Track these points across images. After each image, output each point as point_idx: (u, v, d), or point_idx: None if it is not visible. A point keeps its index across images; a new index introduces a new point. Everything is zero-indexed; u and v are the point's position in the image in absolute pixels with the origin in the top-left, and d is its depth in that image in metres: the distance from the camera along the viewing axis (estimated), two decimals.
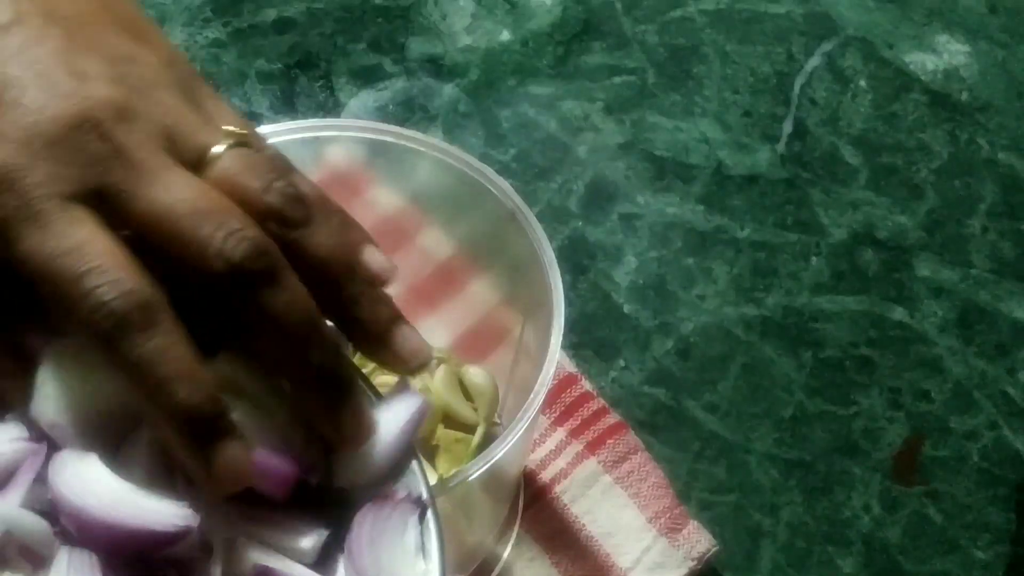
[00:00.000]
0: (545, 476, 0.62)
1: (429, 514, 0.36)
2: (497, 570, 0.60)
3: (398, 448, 0.36)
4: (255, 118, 0.75)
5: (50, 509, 0.34)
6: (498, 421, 0.61)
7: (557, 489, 0.61)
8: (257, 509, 0.35)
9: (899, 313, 0.71)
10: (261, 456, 0.34)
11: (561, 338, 0.49)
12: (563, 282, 0.50)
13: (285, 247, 0.35)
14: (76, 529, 0.33)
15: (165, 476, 0.35)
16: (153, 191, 0.34)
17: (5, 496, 0.34)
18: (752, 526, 0.63)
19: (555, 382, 0.63)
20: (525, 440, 0.53)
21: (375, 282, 0.38)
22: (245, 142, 0.36)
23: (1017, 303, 0.72)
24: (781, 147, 0.77)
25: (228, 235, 0.33)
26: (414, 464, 0.36)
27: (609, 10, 0.83)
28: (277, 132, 0.52)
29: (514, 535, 0.60)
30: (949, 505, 0.65)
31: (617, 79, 0.80)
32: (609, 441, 0.63)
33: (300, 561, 0.35)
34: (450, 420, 0.60)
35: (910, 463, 0.66)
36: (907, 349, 0.70)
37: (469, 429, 0.60)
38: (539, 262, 0.51)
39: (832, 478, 0.65)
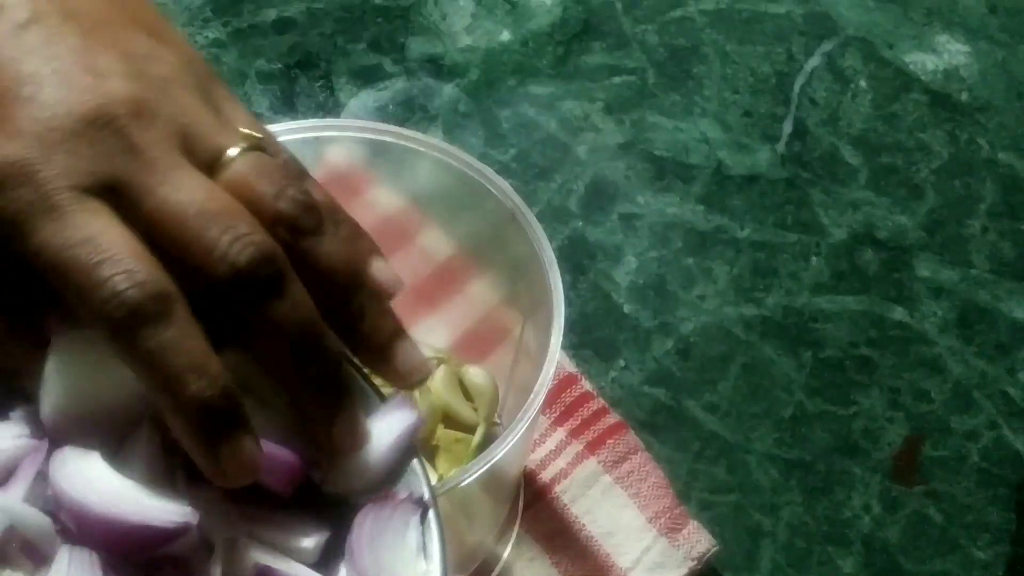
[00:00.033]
0: (545, 476, 0.62)
1: (431, 514, 0.36)
2: (497, 570, 0.60)
3: (388, 460, 0.36)
4: None
5: (51, 506, 0.34)
6: (498, 421, 0.61)
7: (557, 489, 0.61)
8: (258, 508, 0.35)
9: (899, 313, 0.71)
10: (270, 449, 0.34)
11: (561, 338, 0.49)
12: (563, 282, 0.50)
13: (293, 254, 0.35)
14: (76, 525, 0.33)
15: (166, 474, 0.35)
16: (163, 189, 0.34)
17: (8, 491, 0.34)
18: (752, 526, 0.63)
19: (555, 382, 0.63)
20: (525, 440, 0.53)
21: (381, 295, 0.38)
22: (260, 146, 0.36)
23: (1017, 303, 0.72)
24: (781, 147, 0.77)
25: (235, 239, 0.33)
26: (416, 464, 0.36)
27: (609, 10, 0.83)
28: (277, 132, 0.51)
29: (514, 535, 0.60)
30: (949, 505, 0.65)
31: (617, 79, 0.80)
32: (609, 441, 0.63)
33: (301, 561, 0.35)
34: (450, 420, 0.60)
35: (910, 463, 0.66)
36: (907, 349, 0.70)
37: (469, 429, 0.60)
38: (539, 262, 0.51)
39: (832, 478, 0.65)
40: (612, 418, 0.63)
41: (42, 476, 0.34)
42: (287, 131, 0.52)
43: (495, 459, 0.47)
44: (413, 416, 0.37)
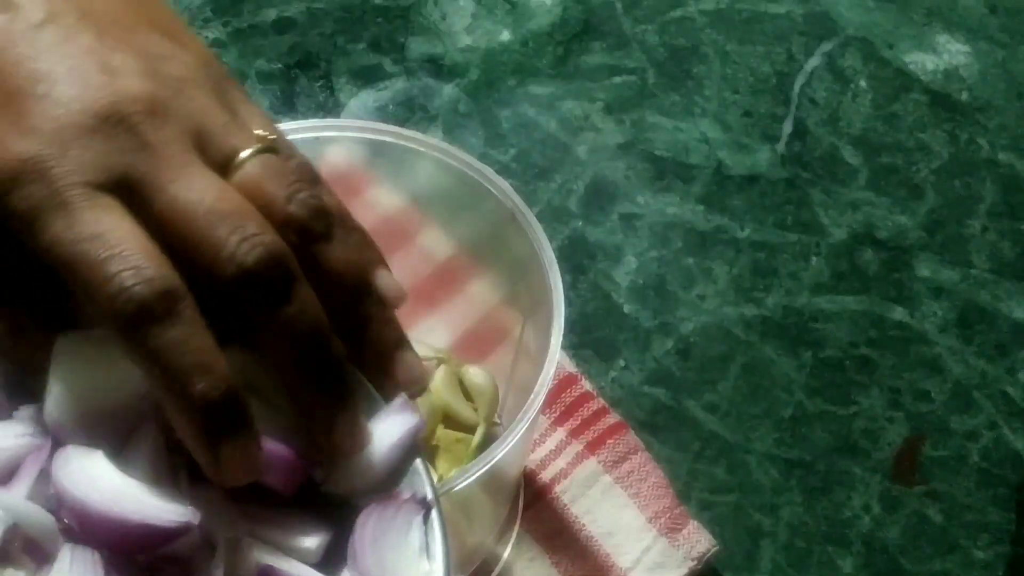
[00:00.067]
0: (545, 476, 0.62)
1: (434, 514, 0.35)
2: (497, 570, 0.60)
3: (389, 462, 0.36)
4: None
5: (53, 504, 0.34)
6: (498, 421, 0.61)
7: (557, 489, 0.61)
8: (261, 508, 0.35)
9: (899, 313, 0.71)
10: (272, 448, 0.34)
11: (561, 338, 0.49)
12: (563, 282, 0.50)
13: (302, 257, 0.35)
14: (77, 523, 0.33)
15: (169, 474, 0.35)
16: (174, 187, 0.34)
17: (11, 489, 0.34)
18: (752, 526, 0.63)
19: (555, 382, 0.63)
20: (525, 440, 0.53)
21: (387, 303, 0.38)
22: (274, 148, 0.36)
23: (1017, 303, 0.72)
24: (781, 147, 0.77)
25: (243, 239, 0.33)
26: (419, 464, 0.36)
27: (609, 10, 0.83)
28: None
29: (514, 535, 0.60)
30: (949, 505, 0.65)
31: (617, 79, 0.80)
32: (609, 441, 0.63)
33: (304, 561, 0.35)
34: (450, 420, 0.60)
35: (910, 463, 0.66)
36: (907, 349, 0.70)
37: (469, 429, 0.60)
38: (539, 262, 0.51)
39: (832, 478, 0.65)
40: (612, 418, 0.63)
41: (46, 474, 0.34)
42: (287, 131, 0.52)
43: (495, 459, 0.47)
44: (415, 419, 0.37)
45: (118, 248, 0.32)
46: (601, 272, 0.71)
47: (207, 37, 0.79)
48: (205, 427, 0.33)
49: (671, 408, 0.67)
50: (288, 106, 0.76)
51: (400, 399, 0.37)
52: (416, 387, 0.38)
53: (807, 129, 0.78)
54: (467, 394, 0.61)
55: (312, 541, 0.35)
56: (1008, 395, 0.68)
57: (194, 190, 0.34)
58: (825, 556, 0.63)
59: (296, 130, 0.52)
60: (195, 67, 0.37)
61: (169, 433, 0.35)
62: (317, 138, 0.53)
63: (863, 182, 0.76)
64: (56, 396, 0.35)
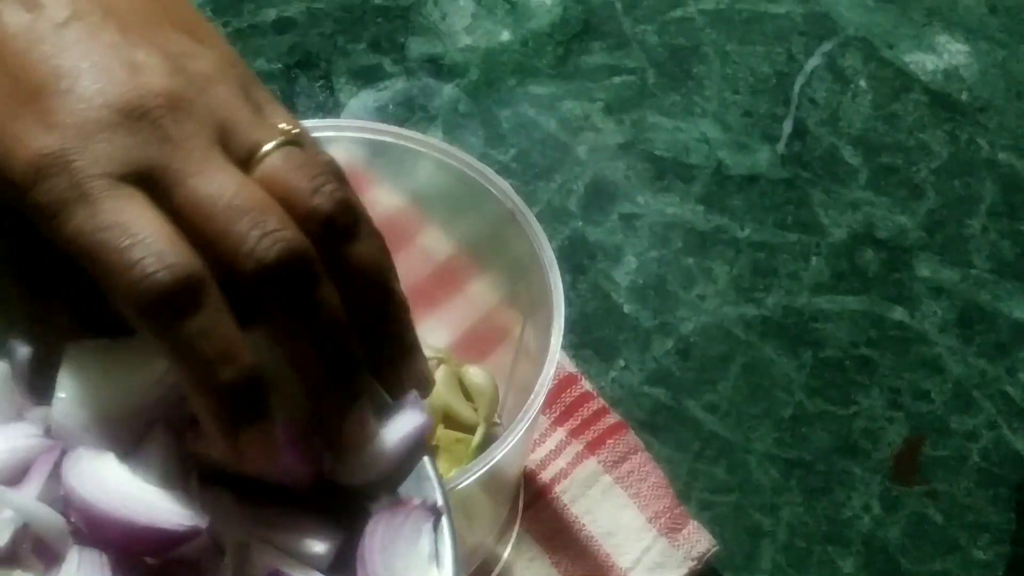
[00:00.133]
0: (545, 476, 0.62)
1: (444, 521, 0.35)
2: (497, 570, 0.60)
3: (395, 456, 0.36)
4: None
5: (62, 505, 0.34)
6: (498, 421, 0.61)
7: (557, 489, 0.61)
8: (271, 513, 0.35)
9: (899, 313, 0.71)
10: (289, 435, 0.34)
11: (561, 338, 0.49)
12: (563, 282, 0.50)
13: (323, 252, 0.35)
14: (85, 525, 0.33)
15: (180, 478, 0.35)
16: (194, 181, 0.34)
17: (22, 490, 0.34)
18: (752, 526, 0.63)
19: (555, 382, 0.63)
20: (525, 440, 0.53)
21: (406, 305, 0.37)
22: (298, 142, 0.36)
23: (1017, 303, 0.72)
24: (781, 147, 0.77)
25: (264, 235, 0.33)
26: (429, 470, 0.36)
27: (609, 10, 0.83)
28: None
29: (514, 535, 0.60)
30: (949, 505, 0.65)
31: (617, 79, 0.80)
32: (609, 441, 0.63)
33: (313, 566, 0.35)
34: (450, 420, 0.60)
35: (910, 463, 0.66)
36: (907, 349, 0.70)
37: (469, 429, 0.60)
38: (539, 262, 0.51)
39: (832, 478, 0.65)
40: (612, 418, 0.63)
41: (56, 475, 0.34)
42: None
43: (495, 459, 0.47)
44: (424, 417, 0.37)
45: (140, 235, 0.32)
46: (601, 272, 0.71)
47: None
48: (227, 413, 0.33)
49: (671, 408, 0.67)
50: (288, 106, 0.76)
51: (412, 396, 0.37)
52: (424, 391, 0.38)
53: (807, 129, 0.78)
54: (467, 394, 0.61)
55: (322, 546, 0.35)
56: (1008, 395, 0.68)
57: (215, 184, 0.34)
58: (825, 556, 0.63)
59: None
60: (219, 65, 0.36)
61: (180, 437, 0.35)
62: (317, 138, 0.53)
63: (863, 182, 0.76)
64: (62, 403, 0.35)
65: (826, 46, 0.82)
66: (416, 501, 0.36)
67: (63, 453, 0.34)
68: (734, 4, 0.84)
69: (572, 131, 0.77)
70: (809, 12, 0.84)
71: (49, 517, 0.34)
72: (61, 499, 0.34)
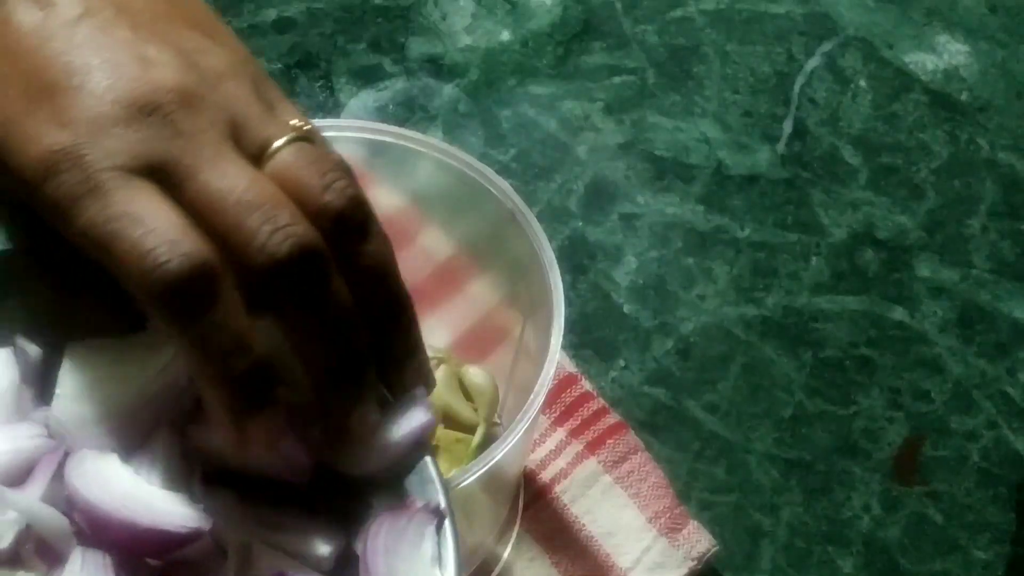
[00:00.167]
0: (545, 476, 0.62)
1: (446, 524, 0.35)
2: (497, 570, 0.60)
3: (397, 450, 0.36)
4: None
5: (65, 506, 0.34)
6: (498, 421, 0.61)
7: (557, 489, 0.61)
8: (275, 515, 0.35)
9: (899, 313, 0.71)
10: (290, 423, 0.34)
11: (561, 338, 0.49)
12: (563, 282, 0.50)
13: (334, 248, 0.35)
14: (88, 525, 0.33)
15: (183, 479, 0.35)
16: (205, 175, 0.34)
17: (25, 491, 0.34)
18: (752, 526, 0.63)
19: (555, 382, 0.63)
20: (525, 440, 0.53)
21: (413, 307, 0.38)
22: (309, 138, 0.36)
23: (1017, 303, 0.72)
24: (781, 147, 0.77)
25: (275, 230, 0.33)
26: (432, 473, 0.36)
27: (609, 10, 0.83)
28: None
29: (514, 535, 0.60)
30: (949, 505, 0.65)
31: (617, 79, 0.80)
32: (609, 441, 0.63)
33: (316, 568, 0.35)
34: (450, 420, 0.60)
35: (910, 463, 0.66)
36: (907, 349, 0.70)
37: (469, 429, 0.60)
38: (539, 262, 0.51)
39: (832, 478, 0.65)
40: (612, 418, 0.63)
41: (60, 476, 0.34)
42: None
43: (495, 459, 0.47)
44: (428, 415, 0.37)
45: (152, 225, 0.32)
46: (601, 272, 0.71)
47: None
48: (238, 403, 0.33)
49: (671, 408, 0.67)
50: None
51: (419, 392, 0.37)
52: (426, 390, 0.38)
53: (807, 129, 0.78)
54: (467, 394, 0.61)
55: (325, 548, 0.35)
56: (1008, 395, 0.68)
57: (227, 178, 0.34)
58: (825, 556, 0.63)
59: None
60: (231, 61, 0.37)
61: (184, 438, 0.35)
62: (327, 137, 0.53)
63: (863, 182, 0.76)
64: (61, 400, 0.35)
65: (826, 46, 0.82)
66: (419, 504, 0.36)
67: (67, 454, 0.34)
68: (734, 4, 0.84)
69: (572, 131, 0.77)
70: (809, 12, 0.84)
71: (52, 518, 0.34)
72: (64, 500, 0.34)
